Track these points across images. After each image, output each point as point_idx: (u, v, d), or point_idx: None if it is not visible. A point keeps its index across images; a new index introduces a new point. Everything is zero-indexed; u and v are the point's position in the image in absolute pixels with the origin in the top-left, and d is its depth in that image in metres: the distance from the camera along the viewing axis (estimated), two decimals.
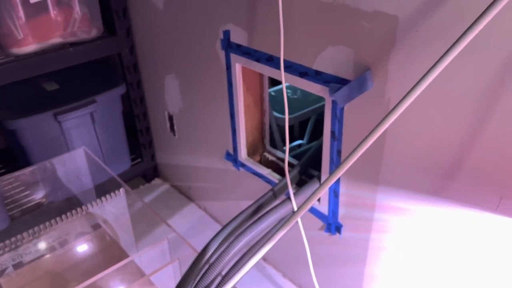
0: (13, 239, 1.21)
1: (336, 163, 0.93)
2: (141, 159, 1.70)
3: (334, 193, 0.98)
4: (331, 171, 0.95)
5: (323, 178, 0.99)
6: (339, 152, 0.91)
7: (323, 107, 0.92)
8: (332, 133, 0.90)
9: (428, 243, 0.84)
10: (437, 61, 0.57)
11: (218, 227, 1.57)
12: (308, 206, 0.76)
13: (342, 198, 0.97)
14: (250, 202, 1.02)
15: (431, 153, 0.76)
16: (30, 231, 1.22)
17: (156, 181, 1.76)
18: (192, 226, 1.54)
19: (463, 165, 0.72)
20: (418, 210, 0.83)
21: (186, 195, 1.66)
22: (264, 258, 1.35)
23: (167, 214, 1.59)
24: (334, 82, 0.84)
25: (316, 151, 1.11)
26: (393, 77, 0.76)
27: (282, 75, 0.89)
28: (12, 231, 1.28)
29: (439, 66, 0.58)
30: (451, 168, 0.75)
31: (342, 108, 0.86)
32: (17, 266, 1.35)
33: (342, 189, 0.95)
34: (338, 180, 0.95)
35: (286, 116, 0.92)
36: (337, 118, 0.88)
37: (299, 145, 1.68)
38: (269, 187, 1.15)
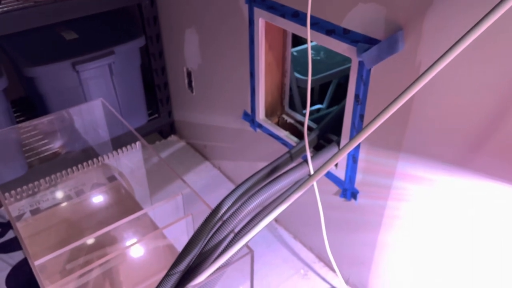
0: (30, 185, 1.23)
1: (357, 128, 0.90)
2: (158, 115, 1.69)
3: (353, 158, 0.95)
4: (352, 136, 0.93)
5: (342, 143, 0.97)
6: (361, 117, 0.88)
7: (346, 70, 0.89)
8: (356, 96, 0.87)
9: (446, 215, 0.82)
10: (474, 25, 0.53)
11: (232, 187, 1.58)
12: (325, 170, 0.74)
13: (360, 164, 0.95)
14: (266, 164, 1.00)
15: (458, 122, 0.72)
16: (47, 178, 1.24)
17: (172, 138, 1.76)
18: (206, 184, 1.55)
19: (491, 138, 0.69)
20: (439, 181, 0.80)
21: (202, 153, 1.66)
22: (276, 219, 1.35)
23: (181, 171, 1.59)
24: (363, 41, 0.80)
25: (337, 115, 1.08)
26: (426, 40, 0.72)
27: (308, 32, 0.85)
28: (30, 178, 1.30)
29: (476, 31, 0.53)
30: (477, 140, 0.71)
31: (369, 70, 0.82)
32: (34, 212, 1.38)
33: (362, 155, 0.93)
34: (358, 146, 0.92)
35: (309, 77, 0.89)
36: (363, 80, 0.84)
37: (318, 110, 1.64)
38: (285, 149, 1.13)
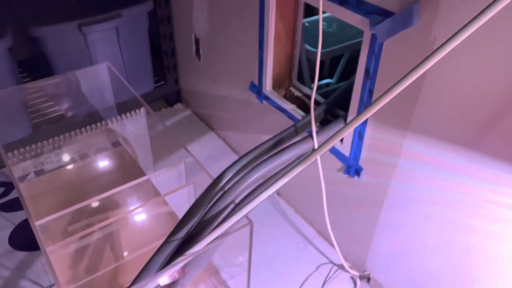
0: (34, 146, 1.23)
1: (366, 104, 0.88)
2: (165, 82, 1.67)
3: (359, 135, 0.94)
4: (359, 112, 0.90)
5: (349, 118, 0.95)
6: (370, 92, 0.86)
7: (358, 44, 0.86)
8: (367, 70, 0.84)
9: (451, 197, 0.81)
10: (492, 2, 0.50)
11: (236, 158, 1.57)
12: (330, 145, 0.72)
13: (366, 141, 0.93)
14: (269, 136, 0.99)
15: (470, 102, 0.70)
16: (51, 140, 1.24)
17: (178, 106, 1.74)
18: (209, 154, 1.54)
19: (501, 122, 0.67)
20: (446, 162, 0.78)
21: (207, 123, 1.65)
22: (278, 193, 1.35)
23: (186, 140, 1.59)
24: (376, 13, 0.77)
25: (345, 90, 1.05)
26: (443, 14, 0.68)
27: (320, 1, 0.81)
28: (34, 139, 1.30)
29: (495, 8, 0.50)
30: (489, 121, 0.69)
31: (381, 44, 0.79)
32: (38, 173, 1.39)
33: (368, 132, 0.91)
34: (365, 122, 0.90)
35: (319, 48, 0.86)
36: (374, 54, 0.81)
37: (327, 84, 1.61)
38: (291, 123, 1.12)
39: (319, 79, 1.62)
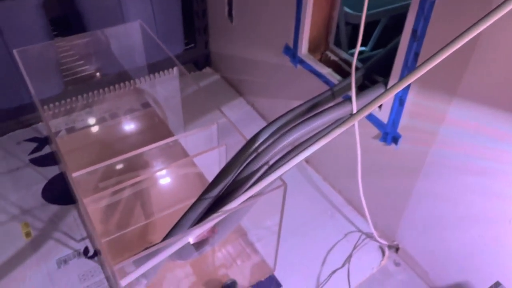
0: (65, 102, 1.24)
1: (410, 68, 0.84)
2: (194, 44, 1.64)
3: (400, 100, 0.90)
4: (403, 76, 0.87)
5: (391, 83, 0.91)
6: (416, 55, 0.82)
7: (399, 8, 0.81)
8: (414, 31, 0.80)
9: (493, 166, 0.77)
10: None
11: (264, 124, 1.55)
12: (369, 110, 0.69)
13: (407, 107, 0.90)
14: (301, 102, 0.96)
15: None
16: (81, 97, 1.24)
17: (207, 70, 1.72)
18: (238, 120, 1.52)
19: None
20: (492, 129, 0.75)
21: (236, 88, 1.63)
22: (306, 160, 1.34)
23: (214, 105, 1.57)
24: None
25: (385, 55, 1.01)
26: None
27: None
28: (66, 97, 1.30)
29: None
30: None
31: (433, 3, 0.75)
32: (69, 130, 1.41)
33: (410, 97, 0.88)
34: (407, 87, 0.87)
35: (365, 8, 0.82)
36: (424, 14, 0.77)
37: (361, 52, 1.56)
38: (325, 88, 1.09)
39: (354, 45, 1.56)
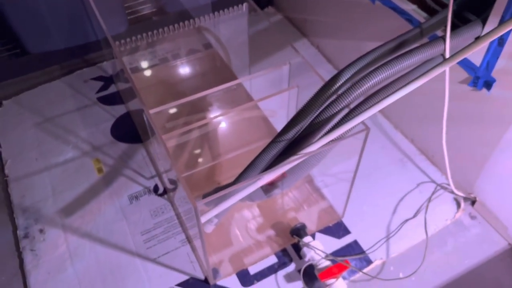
0: (129, 40, 1.22)
1: None
2: None
3: (499, 40, 0.81)
4: (508, 12, 0.77)
5: (491, 21, 0.81)
6: None
7: None
8: None
9: None
10: None
11: (330, 68, 1.48)
12: (467, 53, 0.63)
13: (507, 47, 0.80)
14: (376, 45, 0.88)
15: None
16: (144, 34, 1.21)
17: (269, 9, 1.64)
18: (302, 63, 1.46)
19: None
20: None
21: (300, 29, 1.55)
22: None
23: (276, 47, 1.51)
24: None
25: None
26: None
27: None
28: (127, 36, 1.28)
29: None
30: None
31: None
32: (133, 70, 1.40)
33: None
34: None
35: None
36: None
37: None
38: (407, 27, 1.00)
39: None
